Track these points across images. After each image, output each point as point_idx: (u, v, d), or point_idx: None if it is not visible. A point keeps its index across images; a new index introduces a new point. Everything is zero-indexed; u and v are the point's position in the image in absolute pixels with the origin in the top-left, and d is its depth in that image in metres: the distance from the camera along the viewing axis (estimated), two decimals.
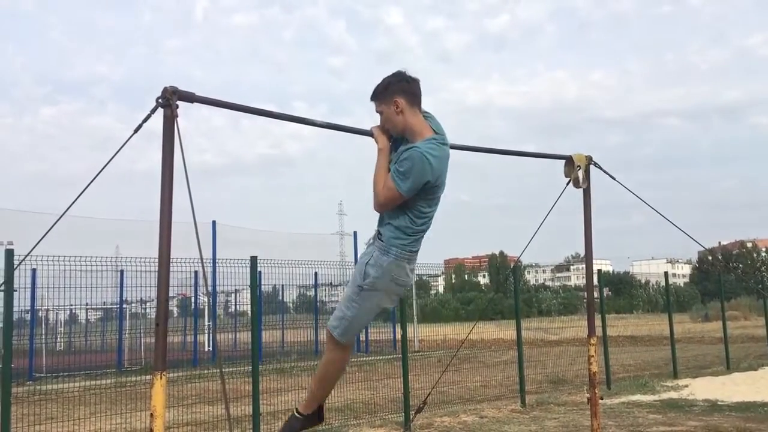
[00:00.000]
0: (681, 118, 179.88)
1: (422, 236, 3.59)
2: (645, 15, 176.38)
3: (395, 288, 3.54)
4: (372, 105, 3.63)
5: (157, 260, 2.89)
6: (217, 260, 17.81)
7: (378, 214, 3.59)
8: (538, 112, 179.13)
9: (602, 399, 5.07)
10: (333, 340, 3.60)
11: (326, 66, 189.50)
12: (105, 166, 3.08)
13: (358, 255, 22.39)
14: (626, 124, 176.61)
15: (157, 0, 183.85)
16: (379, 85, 3.56)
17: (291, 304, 25.69)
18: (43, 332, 17.73)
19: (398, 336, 10.74)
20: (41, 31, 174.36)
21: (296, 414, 3.75)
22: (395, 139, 3.59)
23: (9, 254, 5.95)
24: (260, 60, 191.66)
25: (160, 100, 2.93)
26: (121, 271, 16.62)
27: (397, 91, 3.50)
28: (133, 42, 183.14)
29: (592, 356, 4.74)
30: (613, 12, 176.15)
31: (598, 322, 10.36)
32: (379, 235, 3.55)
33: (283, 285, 20.61)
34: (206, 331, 19.85)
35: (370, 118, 3.70)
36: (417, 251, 3.59)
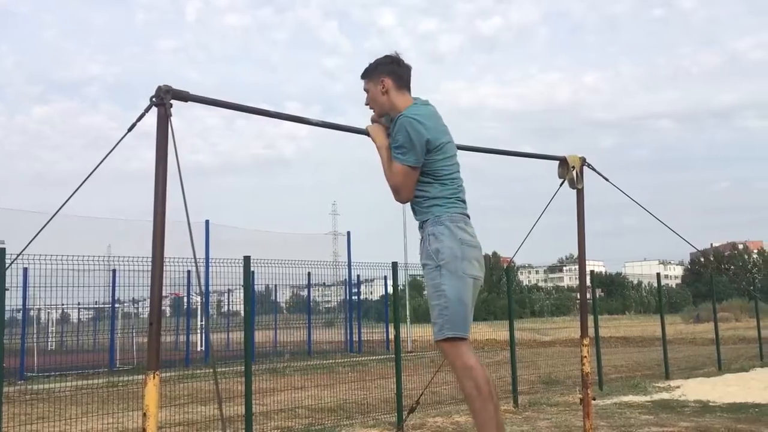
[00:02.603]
0: (673, 120, 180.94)
1: (461, 198, 3.43)
2: (637, 18, 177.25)
3: (470, 251, 3.30)
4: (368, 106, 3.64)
5: (149, 260, 2.89)
6: (210, 260, 17.77)
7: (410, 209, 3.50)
8: (532, 114, 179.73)
9: (594, 399, 5.09)
10: (449, 346, 3.23)
11: (320, 67, 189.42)
12: (98, 165, 3.07)
13: (351, 255, 22.45)
14: (619, 126, 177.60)
15: (149, 0, 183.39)
16: (369, 65, 3.58)
17: (284, 304, 25.66)
18: (35, 332, 17.65)
19: (391, 336, 10.76)
20: (34, 30, 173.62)
21: None
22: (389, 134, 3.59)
23: (0, 253, 5.93)
24: (253, 61, 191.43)
25: (154, 99, 2.93)
26: (114, 271, 16.57)
27: (385, 71, 3.51)
28: (126, 42, 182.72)
29: (585, 357, 4.76)
30: (605, 15, 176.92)
31: (590, 322, 10.38)
32: (422, 223, 3.42)
33: (276, 285, 20.58)
34: (199, 331, 19.80)
35: (364, 119, 3.71)
36: (467, 214, 3.43)
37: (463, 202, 3.45)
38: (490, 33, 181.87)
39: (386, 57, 3.57)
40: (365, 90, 3.60)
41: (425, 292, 3.49)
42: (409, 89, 3.55)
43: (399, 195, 3.38)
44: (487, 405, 3.15)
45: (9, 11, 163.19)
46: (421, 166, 3.33)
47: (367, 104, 3.61)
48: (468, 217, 3.44)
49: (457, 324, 3.23)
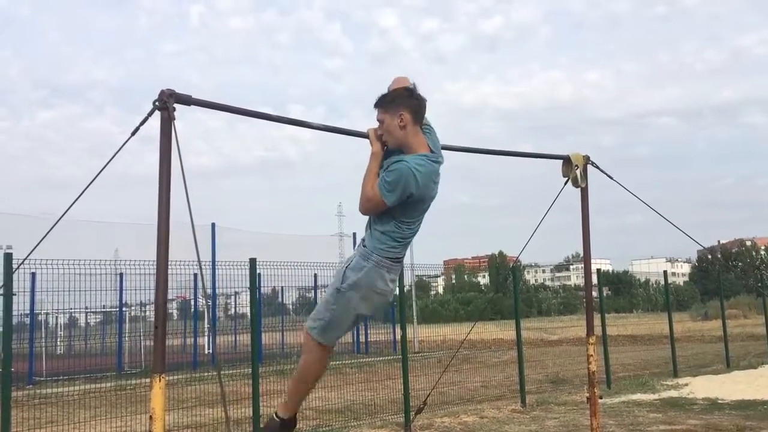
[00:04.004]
0: (676, 117, 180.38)
1: (407, 244, 3.59)
2: (639, 16, 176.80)
3: (373, 296, 3.52)
4: (372, 110, 3.63)
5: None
6: (216, 262, 17.80)
7: (365, 221, 3.61)
8: (534, 113, 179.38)
9: (602, 398, 5.08)
10: (311, 341, 3.55)
11: (322, 69, 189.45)
12: (103, 168, 3.09)
13: None
14: (622, 124, 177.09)
15: (152, 4, 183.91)
16: (386, 95, 3.56)
17: (291, 306, 25.68)
18: (43, 336, 17.71)
19: (398, 337, 10.76)
20: (37, 35, 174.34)
21: (275, 417, 3.65)
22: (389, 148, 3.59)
23: (8, 258, 5.95)
24: (257, 63, 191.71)
25: (157, 103, 2.94)
26: (121, 275, 16.61)
27: (405, 105, 3.50)
28: (129, 46, 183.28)
29: (591, 355, 4.75)
30: (607, 12, 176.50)
31: (597, 321, 10.37)
32: (363, 241, 3.58)
33: (282, 287, 20.60)
34: (206, 334, 19.84)
35: (366, 121, 3.71)
36: (399, 260, 3.58)
37: (406, 246, 3.59)
38: (492, 32, 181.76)
39: (406, 90, 3.56)
40: (379, 120, 3.56)
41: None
42: (422, 123, 3.58)
43: (361, 208, 3.53)
44: (302, 392, 3.67)
45: (11, 15, 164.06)
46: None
47: (380, 134, 3.59)
48: (399, 260, 3.59)
49: (325, 335, 3.54)
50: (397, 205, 3.43)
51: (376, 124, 3.61)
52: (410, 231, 3.56)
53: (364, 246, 3.53)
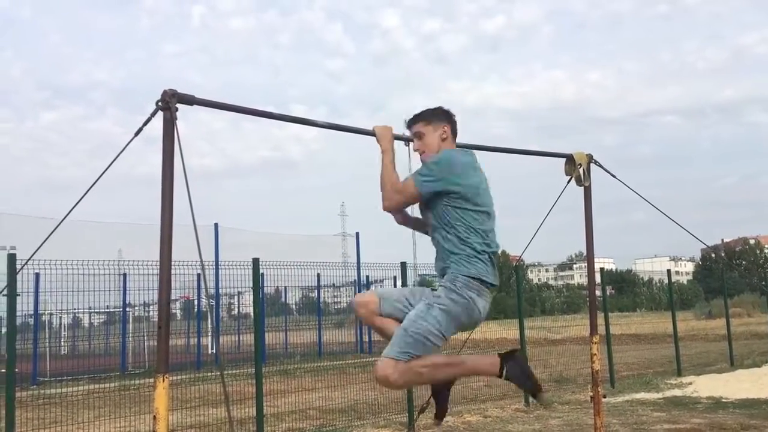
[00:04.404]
0: (678, 116, 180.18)
1: (482, 259, 3.32)
2: (641, 15, 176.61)
3: (465, 319, 3.33)
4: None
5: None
6: (219, 262, 17.81)
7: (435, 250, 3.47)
8: (536, 113, 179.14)
9: (605, 397, 5.07)
10: (404, 364, 3.23)
11: (324, 69, 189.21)
12: (105, 170, 3.09)
13: (360, 256, 22.47)
14: (624, 123, 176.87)
15: (154, 4, 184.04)
16: (428, 109, 3.61)
17: (294, 306, 25.69)
18: (47, 336, 17.74)
19: None
20: (39, 36, 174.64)
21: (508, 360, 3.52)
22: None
23: (11, 259, 5.97)
24: (258, 64, 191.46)
25: (159, 103, 2.94)
26: (124, 275, 16.62)
27: (447, 119, 3.59)
28: (130, 47, 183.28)
29: (595, 354, 4.74)
30: (608, 12, 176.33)
31: (600, 320, 10.35)
32: (443, 270, 3.41)
33: (285, 287, 20.62)
34: (209, 334, 19.86)
35: (369, 121, 3.72)
36: (486, 284, 3.34)
37: (483, 257, 3.35)
38: (494, 32, 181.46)
39: (442, 108, 3.62)
40: (417, 133, 3.56)
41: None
42: (455, 142, 3.65)
43: (388, 203, 3.45)
44: (463, 362, 3.51)
45: (12, 16, 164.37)
46: (439, 208, 3.37)
47: (416, 149, 3.58)
48: (486, 285, 3.34)
49: (409, 351, 3.26)
50: (453, 212, 3.35)
51: (380, 123, 3.61)
52: (473, 241, 3.32)
53: (447, 271, 3.35)
